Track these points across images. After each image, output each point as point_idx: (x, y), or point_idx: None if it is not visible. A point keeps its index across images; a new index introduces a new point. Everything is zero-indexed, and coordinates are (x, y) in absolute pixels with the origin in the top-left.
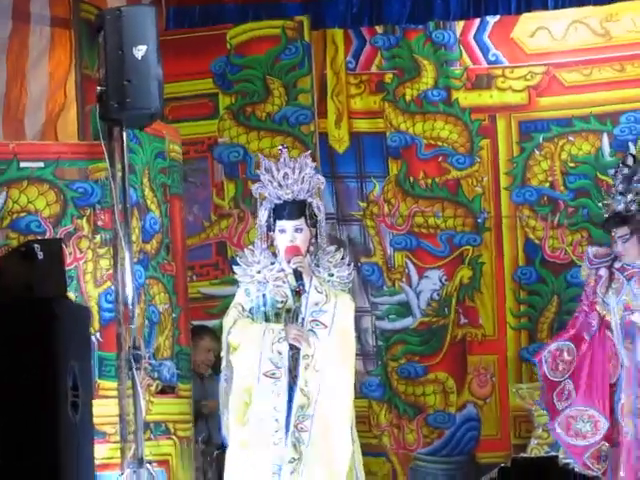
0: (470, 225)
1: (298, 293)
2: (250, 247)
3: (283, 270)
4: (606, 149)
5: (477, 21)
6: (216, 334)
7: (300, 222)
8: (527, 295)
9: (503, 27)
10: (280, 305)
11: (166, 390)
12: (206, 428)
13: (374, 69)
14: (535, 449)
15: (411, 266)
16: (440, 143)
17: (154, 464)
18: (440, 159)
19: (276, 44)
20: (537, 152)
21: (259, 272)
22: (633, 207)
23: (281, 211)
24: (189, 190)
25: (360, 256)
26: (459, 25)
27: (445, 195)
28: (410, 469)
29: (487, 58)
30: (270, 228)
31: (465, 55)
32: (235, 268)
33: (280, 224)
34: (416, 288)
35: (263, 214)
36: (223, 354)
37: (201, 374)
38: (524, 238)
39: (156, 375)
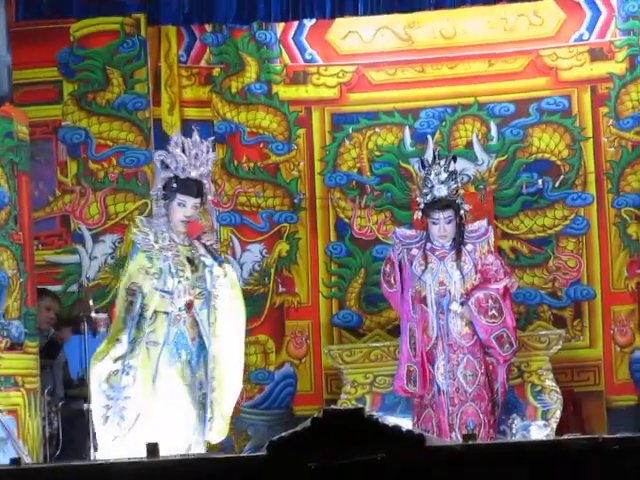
0: (288, 205)
1: (192, 263)
2: (141, 217)
3: (173, 240)
4: (407, 140)
5: (295, 23)
6: (55, 295)
7: (198, 201)
8: (337, 267)
9: (318, 30)
10: (181, 274)
11: (14, 347)
12: (52, 381)
13: (203, 63)
14: (344, 403)
15: (235, 240)
16: (261, 131)
17: (4, 412)
18: (261, 145)
19: (115, 38)
20: (347, 141)
21: (157, 242)
22: (455, 193)
23: (184, 186)
24: (35, 168)
25: None
26: (279, 27)
27: (266, 177)
28: (235, 419)
29: (304, 57)
30: (165, 197)
31: (284, 53)
32: (134, 237)
33: (181, 198)
34: (239, 259)
35: (160, 181)
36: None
37: (45, 331)
38: (335, 217)
39: (5, 334)
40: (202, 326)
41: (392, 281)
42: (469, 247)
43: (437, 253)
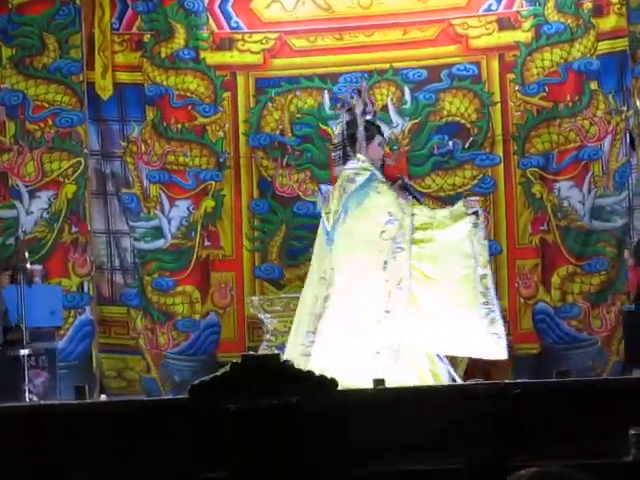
0: (214, 164)
1: None
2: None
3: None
4: (326, 104)
5: None
6: None
7: None
8: (260, 223)
9: None
10: None
11: None
12: None
13: (134, 30)
14: (265, 350)
15: (164, 196)
16: (189, 94)
17: None
18: (189, 107)
19: (51, 5)
20: (270, 104)
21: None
22: None
23: (380, 128)
24: None
25: (121, 187)
26: None
27: (193, 138)
28: (161, 365)
29: (230, 24)
30: (369, 138)
31: (211, 21)
32: (372, 174)
33: (380, 138)
34: (168, 215)
35: (361, 125)
36: None
37: None
38: (258, 175)
39: None
40: None
41: None
42: None
43: None
